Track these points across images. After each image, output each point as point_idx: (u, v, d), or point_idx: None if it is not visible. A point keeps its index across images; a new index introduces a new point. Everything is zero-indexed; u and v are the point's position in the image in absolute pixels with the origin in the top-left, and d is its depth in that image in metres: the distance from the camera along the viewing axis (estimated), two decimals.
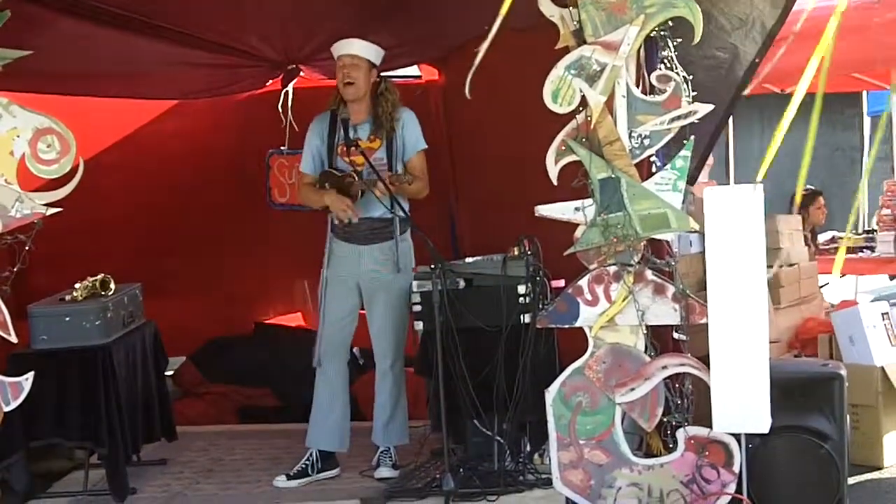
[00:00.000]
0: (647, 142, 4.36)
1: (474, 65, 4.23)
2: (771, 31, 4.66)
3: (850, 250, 9.98)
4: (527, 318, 5.29)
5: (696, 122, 4.35)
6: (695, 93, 4.34)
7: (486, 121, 7.20)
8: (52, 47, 5.31)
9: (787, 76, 9.35)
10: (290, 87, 7.34)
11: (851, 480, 5.05)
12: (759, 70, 4.88)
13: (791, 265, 7.08)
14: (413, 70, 7.98)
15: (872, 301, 7.62)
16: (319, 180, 5.70)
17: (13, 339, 4.66)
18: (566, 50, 4.38)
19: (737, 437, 4.32)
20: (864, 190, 12.31)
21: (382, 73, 5.80)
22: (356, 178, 5.57)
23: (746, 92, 5.05)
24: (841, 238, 10.22)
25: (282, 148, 7.60)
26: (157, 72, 6.78)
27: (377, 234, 5.67)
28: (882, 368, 5.97)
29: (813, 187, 9.62)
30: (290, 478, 5.66)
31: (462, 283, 5.40)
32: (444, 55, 7.57)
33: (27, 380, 4.65)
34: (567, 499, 4.58)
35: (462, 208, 7.91)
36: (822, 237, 9.95)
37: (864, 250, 10.02)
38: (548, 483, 4.80)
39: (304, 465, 5.71)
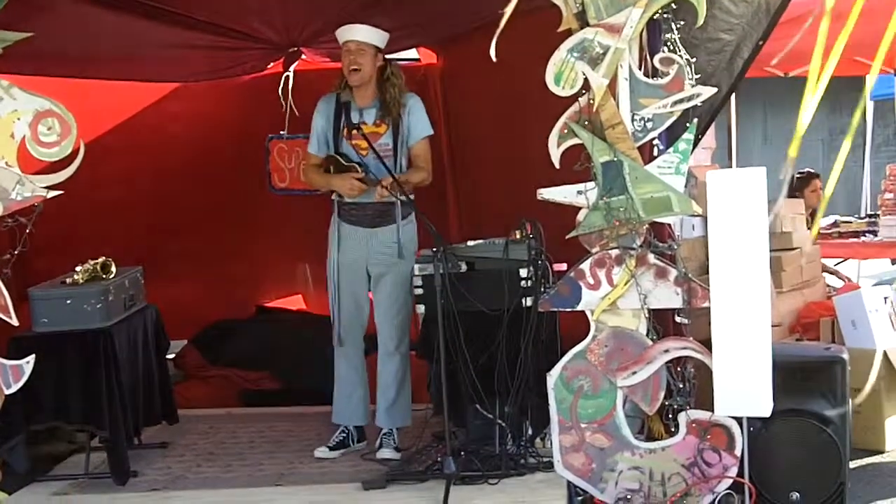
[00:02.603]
0: (649, 125, 4.36)
1: (499, 27, 4.26)
2: (775, 13, 4.64)
3: (852, 234, 9.97)
4: (529, 302, 5.28)
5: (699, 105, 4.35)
6: (698, 75, 4.33)
7: (485, 104, 7.19)
8: (53, 30, 5.28)
9: (789, 60, 9.33)
10: (291, 70, 7.32)
11: (853, 464, 5.05)
12: (770, 54, 4.87)
13: (793, 249, 7.08)
14: (411, 53, 7.95)
15: (874, 285, 7.61)
16: (325, 163, 5.69)
17: (14, 322, 4.67)
18: (569, 32, 4.37)
19: (739, 420, 4.33)
20: (863, 173, 12.28)
21: (387, 56, 5.78)
22: (359, 170, 5.57)
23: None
24: (844, 222, 10.21)
25: (281, 133, 7.59)
26: (158, 54, 6.77)
27: (385, 218, 5.68)
28: (884, 352, 5.97)
29: (810, 170, 9.58)
30: (331, 449, 5.79)
31: (464, 267, 5.39)
32: (443, 39, 7.56)
33: (28, 363, 4.66)
34: (568, 482, 4.59)
35: (460, 192, 7.90)
36: (825, 221, 9.91)
37: (867, 234, 10.00)
38: (549, 466, 4.80)
39: (342, 437, 5.84)
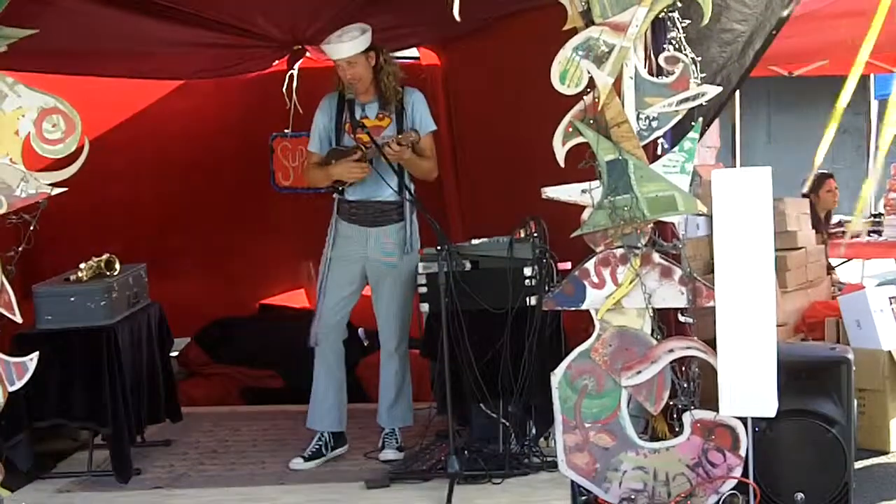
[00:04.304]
0: (654, 124, 4.35)
1: None
2: (790, 3, 4.61)
3: (857, 234, 9.96)
4: (533, 301, 5.27)
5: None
6: (706, 71, 4.32)
7: (487, 103, 7.19)
8: (58, 27, 5.28)
9: (794, 59, 9.34)
10: (295, 68, 7.31)
11: (858, 465, 5.04)
12: (776, 52, 4.83)
13: (798, 248, 7.08)
14: (412, 52, 7.93)
15: (879, 285, 7.60)
16: (326, 158, 5.67)
17: (18, 319, 4.66)
18: (573, 31, 4.36)
19: (743, 420, 4.31)
20: (875, 174, 12.25)
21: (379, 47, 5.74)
22: (363, 149, 5.53)
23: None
24: (847, 222, 10.20)
25: (285, 131, 7.57)
26: (162, 52, 6.76)
27: (385, 217, 5.65)
28: (889, 353, 5.96)
29: (824, 170, 9.57)
30: (306, 459, 5.65)
31: (468, 266, 5.38)
32: (444, 39, 7.55)
33: (32, 360, 4.65)
34: (572, 482, 4.58)
35: (463, 191, 7.89)
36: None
37: (871, 234, 10.00)
38: (553, 466, 4.79)
39: (317, 447, 5.70)
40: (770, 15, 4.63)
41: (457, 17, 4.48)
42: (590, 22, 4.33)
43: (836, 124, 4.72)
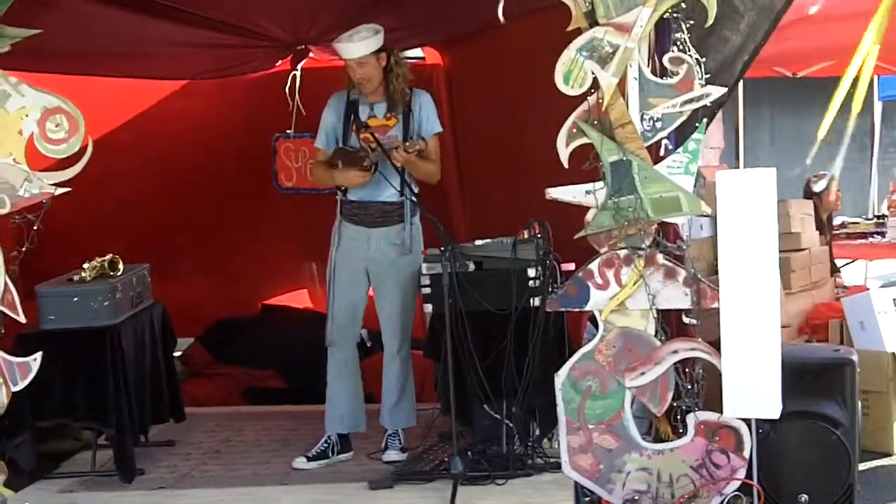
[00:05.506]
0: (658, 124, 4.33)
1: None
2: (778, 14, 4.61)
3: (860, 235, 9.96)
4: (536, 302, 5.27)
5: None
6: (707, 75, 4.31)
7: (491, 104, 7.19)
8: (61, 27, 5.29)
9: (798, 60, 9.33)
10: (298, 69, 7.31)
11: (862, 467, 5.03)
12: (776, 54, 4.83)
13: (802, 250, 7.07)
14: (416, 52, 7.94)
15: (882, 287, 7.59)
16: (332, 158, 5.67)
17: (21, 319, 4.66)
18: (577, 31, 4.35)
19: (747, 422, 4.30)
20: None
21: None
22: (369, 151, 5.53)
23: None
24: (851, 223, 10.20)
25: (288, 131, 7.57)
26: (165, 52, 6.77)
27: (387, 218, 5.65)
28: (893, 354, 5.95)
29: (825, 172, 9.57)
30: (309, 459, 5.65)
31: (472, 266, 5.37)
32: (448, 39, 7.55)
33: (35, 360, 4.64)
34: (576, 483, 4.57)
35: (466, 192, 7.88)
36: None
37: (875, 235, 9.99)
38: (557, 467, 4.77)
39: (323, 447, 5.71)
40: (759, 26, 4.62)
41: (501, 19, 4.49)
42: (594, 22, 4.31)
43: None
